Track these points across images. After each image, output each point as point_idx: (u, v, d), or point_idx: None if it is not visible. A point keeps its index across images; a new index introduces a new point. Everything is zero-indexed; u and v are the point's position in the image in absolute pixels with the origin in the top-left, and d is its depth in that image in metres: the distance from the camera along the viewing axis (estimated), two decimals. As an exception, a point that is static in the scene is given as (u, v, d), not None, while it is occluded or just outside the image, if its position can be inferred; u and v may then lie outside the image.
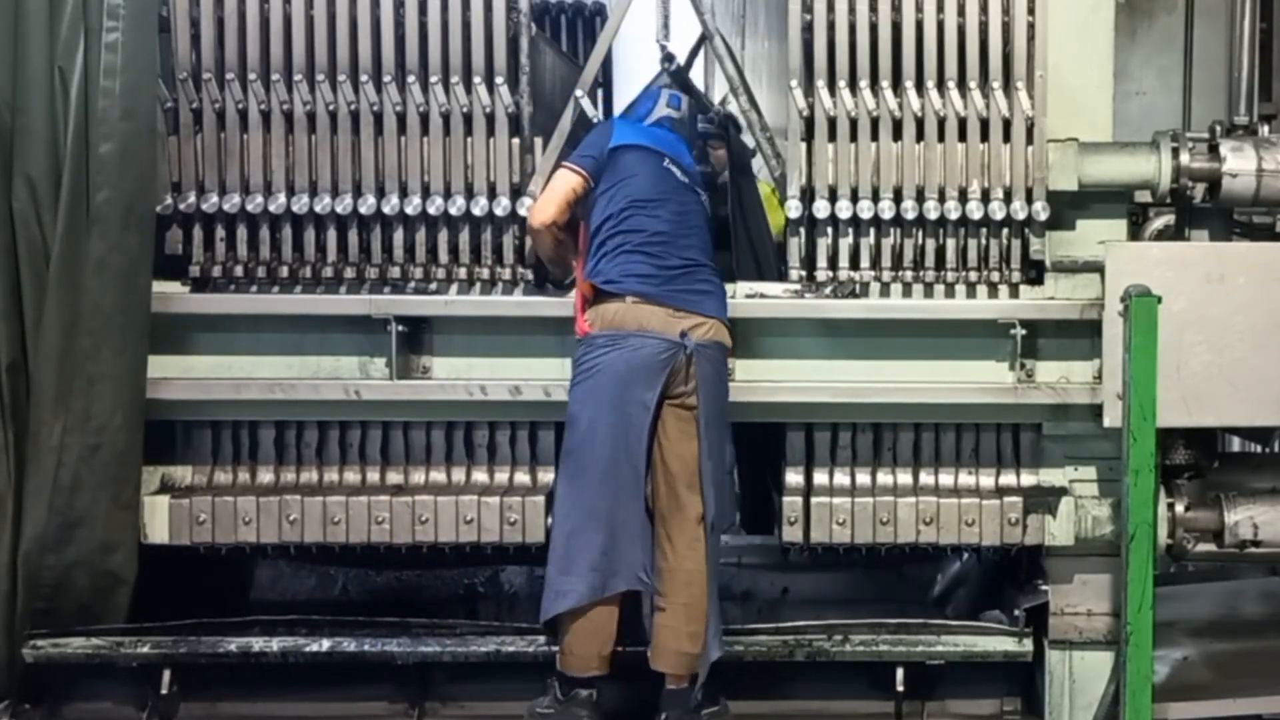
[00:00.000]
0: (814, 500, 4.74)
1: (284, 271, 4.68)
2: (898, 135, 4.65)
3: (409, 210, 4.64)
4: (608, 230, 4.47)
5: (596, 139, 4.62)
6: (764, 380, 4.74)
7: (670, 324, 4.40)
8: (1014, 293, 4.71)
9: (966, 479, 4.83)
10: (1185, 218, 4.84)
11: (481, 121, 4.67)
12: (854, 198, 4.64)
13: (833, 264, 4.71)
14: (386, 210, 4.64)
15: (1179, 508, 4.75)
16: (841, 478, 4.83)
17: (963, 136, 4.65)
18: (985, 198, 4.62)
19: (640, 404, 4.35)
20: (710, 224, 4.67)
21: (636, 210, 4.48)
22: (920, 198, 4.63)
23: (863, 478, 4.83)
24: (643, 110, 4.80)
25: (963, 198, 4.63)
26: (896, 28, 4.64)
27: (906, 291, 4.72)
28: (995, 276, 4.69)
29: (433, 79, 4.63)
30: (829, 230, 4.70)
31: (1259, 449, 5.92)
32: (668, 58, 5.08)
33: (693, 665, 4.39)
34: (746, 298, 4.70)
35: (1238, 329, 4.55)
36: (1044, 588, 4.76)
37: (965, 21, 4.64)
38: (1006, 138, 4.63)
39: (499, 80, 4.63)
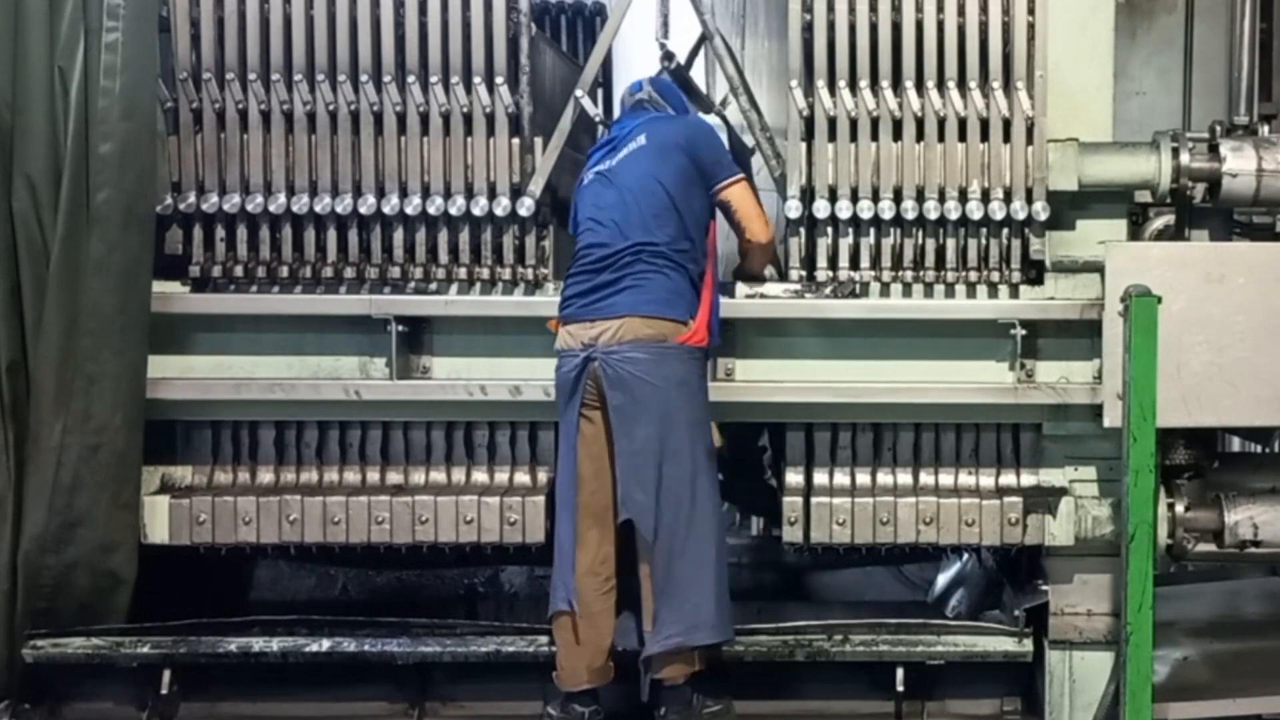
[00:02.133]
0: (814, 500, 4.74)
1: (284, 271, 4.68)
2: (898, 135, 4.65)
3: (409, 210, 4.64)
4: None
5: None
6: (764, 380, 4.73)
7: (579, 337, 4.39)
8: (1014, 293, 4.71)
9: (966, 479, 4.83)
10: (1185, 218, 4.83)
11: (481, 121, 4.67)
12: (854, 198, 4.64)
13: (833, 264, 4.71)
14: (386, 210, 4.64)
15: (1179, 508, 4.75)
16: (841, 478, 4.82)
17: (963, 136, 4.65)
18: (985, 198, 4.62)
19: (568, 423, 4.41)
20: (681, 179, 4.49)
21: (584, 229, 4.50)
22: (920, 198, 4.63)
23: (863, 478, 4.83)
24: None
25: (963, 198, 4.63)
26: (896, 28, 4.64)
27: (906, 291, 4.72)
28: (995, 276, 4.69)
29: (433, 79, 4.63)
30: (829, 230, 4.70)
31: (1259, 449, 5.92)
32: (667, 56, 5.08)
33: (680, 662, 4.36)
34: (746, 298, 4.70)
35: (1238, 329, 4.55)
36: (1044, 588, 4.77)
37: (965, 21, 4.64)
38: (1006, 138, 4.63)
39: (499, 80, 4.64)
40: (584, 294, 4.40)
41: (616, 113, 5.11)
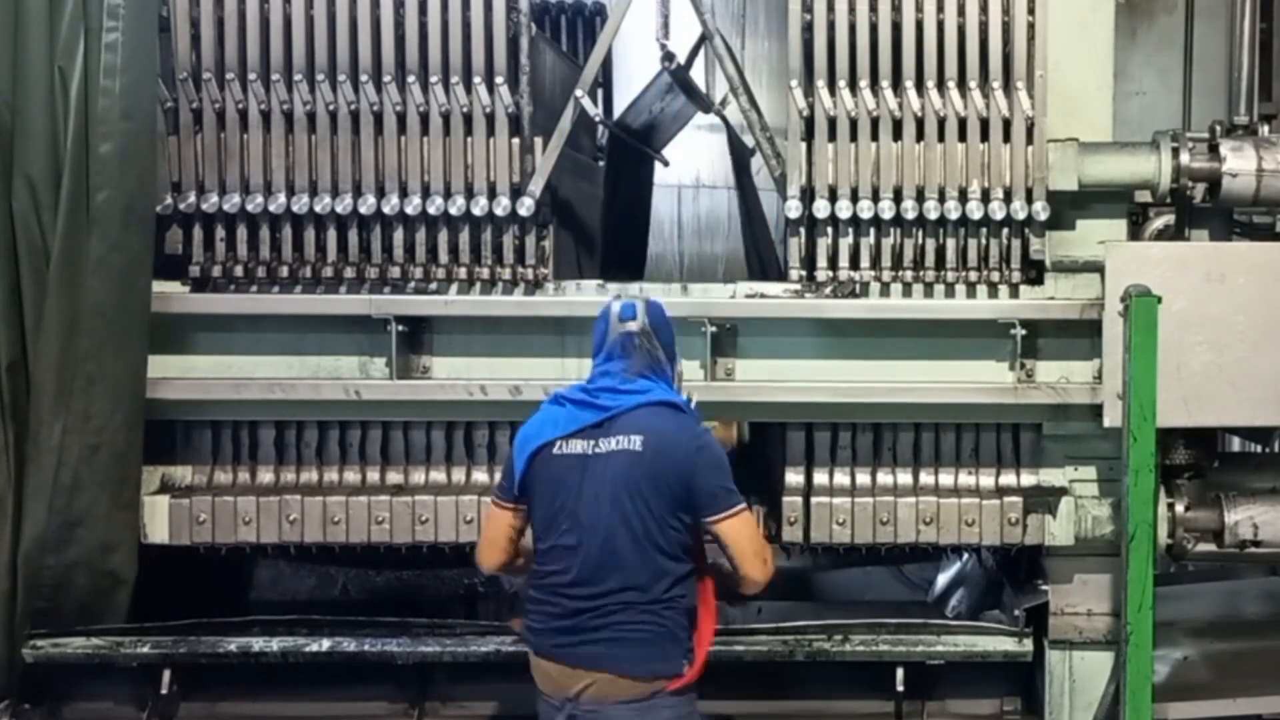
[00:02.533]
0: (814, 500, 4.74)
1: (284, 271, 4.68)
2: (898, 135, 4.64)
3: (409, 210, 4.64)
4: None
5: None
6: (764, 380, 4.73)
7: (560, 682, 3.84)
8: (1014, 293, 4.71)
9: (966, 479, 4.83)
10: (1185, 218, 4.84)
11: (481, 121, 4.67)
12: (854, 198, 4.64)
13: (833, 264, 4.71)
14: (386, 210, 4.64)
15: (1179, 508, 4.75)
16: (841, 478, 4.83)
17: (963, 136, 4.65)
18: (985, 198, 4.62)
19: None
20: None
21: (559, 536, 3.86)
22: (920, 198, 4.63)
23: (863, 478, 4.83)
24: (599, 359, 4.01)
25: (963, 198, 4.63)
26: (896, 28, 4.64)
27: (906, 291, 4.72)
28: (995, 276, 4.69)
29: (433, 79, 4.63)
30: (829, 230, 4.70)
31: (1259, 449, 5.92)
32: (668, 56, 5.08)
33: None
34: (746, 297, 4.70)
35: (1238, 329, 4.55)
36: (1044, 588, 4.77)
37: (965, 21, 4.64)
38: (1006, 138, 4.63)
39: (499, 80, 4.63)
40: (561, 631, 3.81)
41: (621, 105, 5.09)
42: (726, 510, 3.81)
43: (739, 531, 3.83)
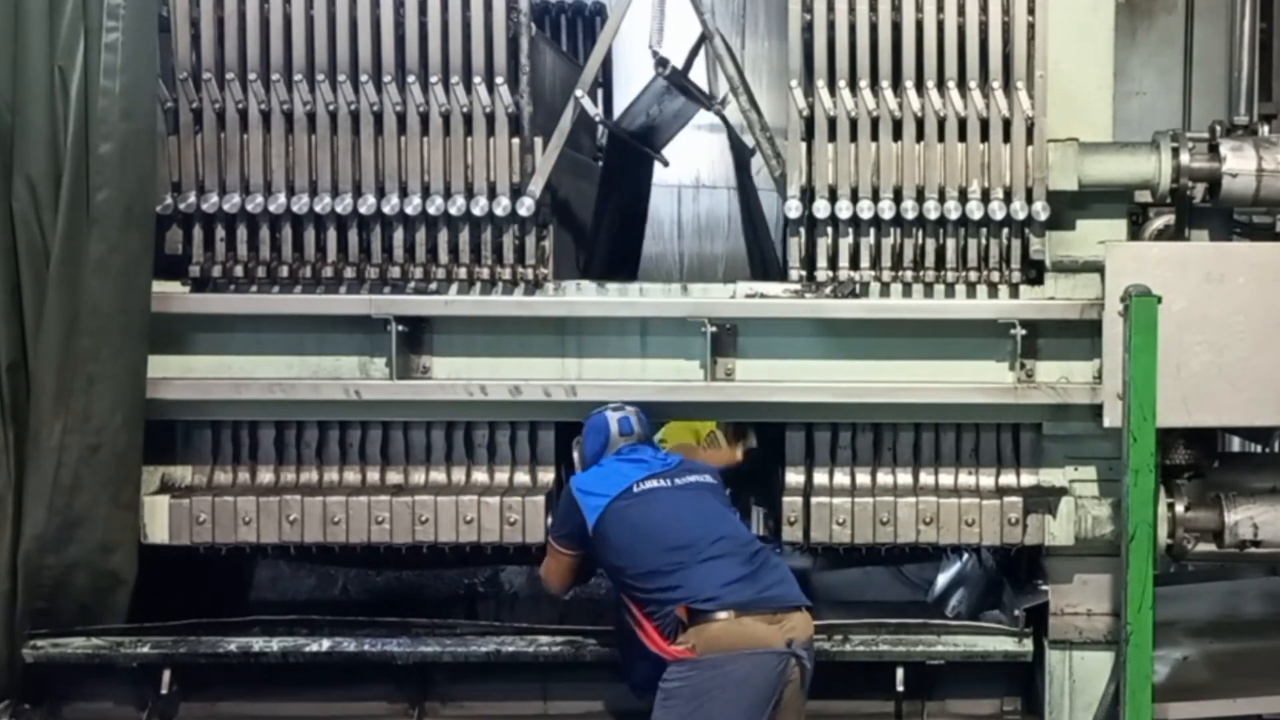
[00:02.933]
0: (814, 500, 4.74)
1: (284, 271, 4.68)
2: (898, 135, 4.64)
3: (409, 210, 4.64)
4: None
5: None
6: (764, 380, 4.73)
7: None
8: (1014, 293, 4.71)
9: (966, 479, 4.83)
10: (1185, 218, 4.84)
11: (481, 121, 4.66)
12: (854, 198, 4.63)
13: (833, 264, 4.70)
14: (386, 210, 4.64)
15: (1179, 508, 4.75)
16: (841, 478, 4.83)
17: (963, 136, 4.65)
18: (985, 198, 4.62)
19: None
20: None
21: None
22: (920, 198, 4.63)
23: (863, 478, 4.83)
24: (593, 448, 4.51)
25: (963, 198, 4.63)
26: (896, 28, 4.64)
27: (906, 291, 4.72)
28: (995, 276, 4.69)
29: (433, 79, 4.63)
30: (829, 230, 4.70)
31: (1259, 449, 5.92)
32: (661, 63, 5.08)
33: None
34: (746, 297, 4.70)
35: (1238, 329, 4.55)
36: (1044, 588, 4.77)
37: (965, 21, 4.64)
38: (1006, 138, 4.63)
39: (499, 80, 4.63)
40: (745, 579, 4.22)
41: (621, 105, 5.08)
42: None
43: None
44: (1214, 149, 4.68)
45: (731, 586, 4.15)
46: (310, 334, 4.74)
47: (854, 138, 4.64)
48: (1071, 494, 4.75)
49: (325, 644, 4.63)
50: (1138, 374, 4.24)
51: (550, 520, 4.57)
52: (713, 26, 4.91)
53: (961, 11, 4.64)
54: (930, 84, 4.62)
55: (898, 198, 4.63)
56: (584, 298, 4.73)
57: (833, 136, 4.65)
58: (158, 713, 4.68)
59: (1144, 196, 4.87)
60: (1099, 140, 4.68)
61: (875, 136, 4.65)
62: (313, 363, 4.75)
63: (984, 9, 4.63)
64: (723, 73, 5.05)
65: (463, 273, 4.71)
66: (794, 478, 4.82)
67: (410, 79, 4.64)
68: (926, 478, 4.83)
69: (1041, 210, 4.59)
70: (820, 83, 4.64)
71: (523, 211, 4.64)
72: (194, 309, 4.69)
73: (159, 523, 4.69)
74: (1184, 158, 4.66)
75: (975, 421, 4.82)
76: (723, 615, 4.12)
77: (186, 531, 4.68)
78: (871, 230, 4.69)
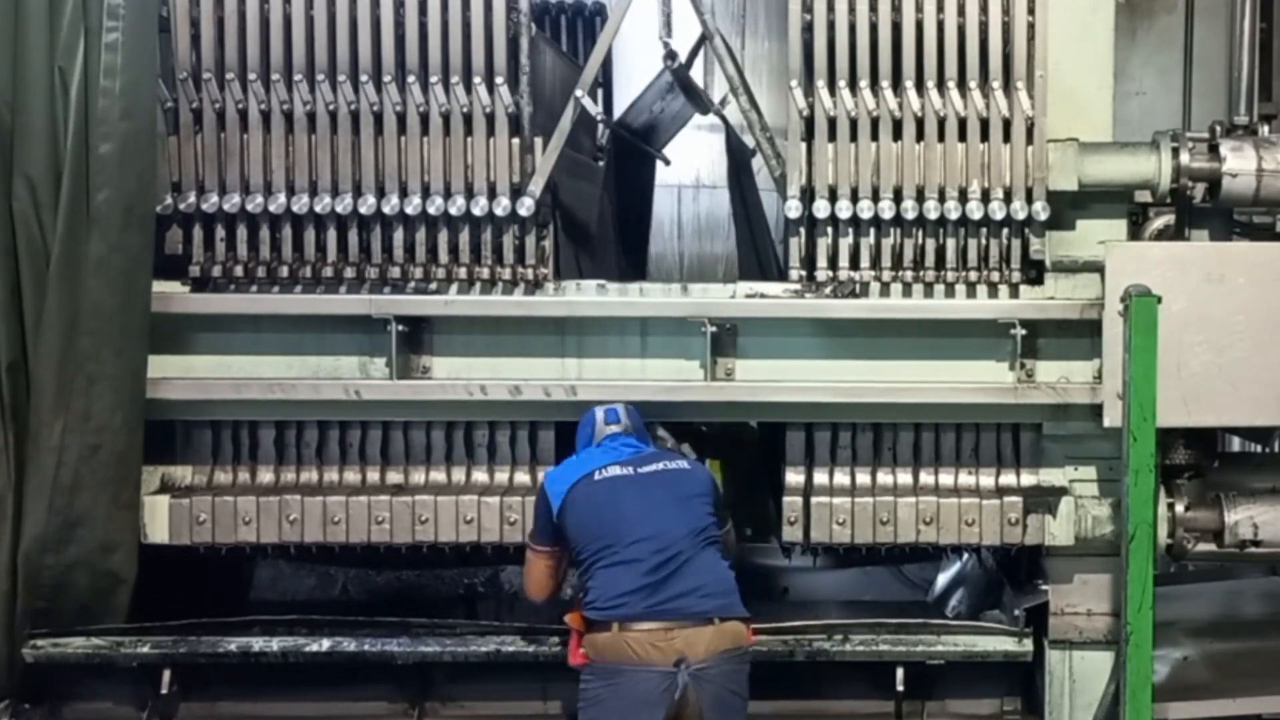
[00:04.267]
0: (814, 500, 4.74)
1: (284, 271, 4.68)
2: (898, 135, 4.64)
3: (409, 210, 4.64)
4: None
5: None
6: (764, 380, 4.73)
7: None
8: (1014, 293, 4.71)
9: (966, 479, 4.83)
10: (1185, 218, 4.84)
11: (481, 121, 4.66)
12: (854, 198, 4.63)
13: (833, 264, 4.70)
14: (386, 210, 4.64)
15: (1179, 508, 4.75)
16: (841, 478, 4.83)
17: (963, 136, 4.65)
18: (985, 198, 4.62)
19: None
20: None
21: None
22: (920, 198, 4.63)
23: (863, 478, 4.83)
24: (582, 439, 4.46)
25: (963, 198, 4.63)
26: (896, 28, 4.64)
27: (906, 291, 4.72)
28: (995, 276, 4.69)
29: (433, 79, 4.63)
30: (829, 230, 4.70)
31: (1259, 449, 5.92)
32: (670, 55, 5.08)
33: None
34: (746, 297, 4.70)
35: (1238, 329, 4.55)
36: (1044, 588, 4.77)
37: (965, 21, 4.64)
38: (1006, 138, 4.63)
39: (499, 80, 4.63)
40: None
41: (621, 105, 5.10)
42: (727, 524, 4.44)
43: (730, 538, 4.48)
44: (1214, 149, 4.68)
45: (625, 598, 4.04)
46: (310, 334, 4.74)
47: (854, 138, 4.64)
48: (1071, 494, 4.75)
49: (325, 644, 4.63)
50: (1138, 374, 4.24)
51: None
52: (713, 26, 4.91)
53: (961, 11, 4.64)
54: (930, 84, 4.62)
55: (898, 198, 4.63)
56: (584, 298, 4.73)
57: (833, 136, 4.65)
58: (158, 713, 4.69)
59: (1144, 196, 4.87)
60: (1099, 140, 4.68)
61: (875, 136, 4.65)
62: (313, 363, 4.75)
63: (984, 9, 4.63)
64: (723, 73, 5.05)
65: (463, 273, 4.71)
66: (794, 478, 4.82)
67: (410, 79, 4.64)
68: (926, 478, 4.83)
69: (1041, 210, 4.59)
70: (820, 83, 4.64)
71: (523, 211, 4.64)
72: (194, 309, 4.69)
73: (159, 523, 4.69)
74: (1184, 158, 4.66)
75: (975, 421, 4.82)
76: (612, 626, 4.04)
77: (186, 531, 4.68)
78: (871, 230, 4.69)
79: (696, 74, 5.54)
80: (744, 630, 4.18)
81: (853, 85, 4.62)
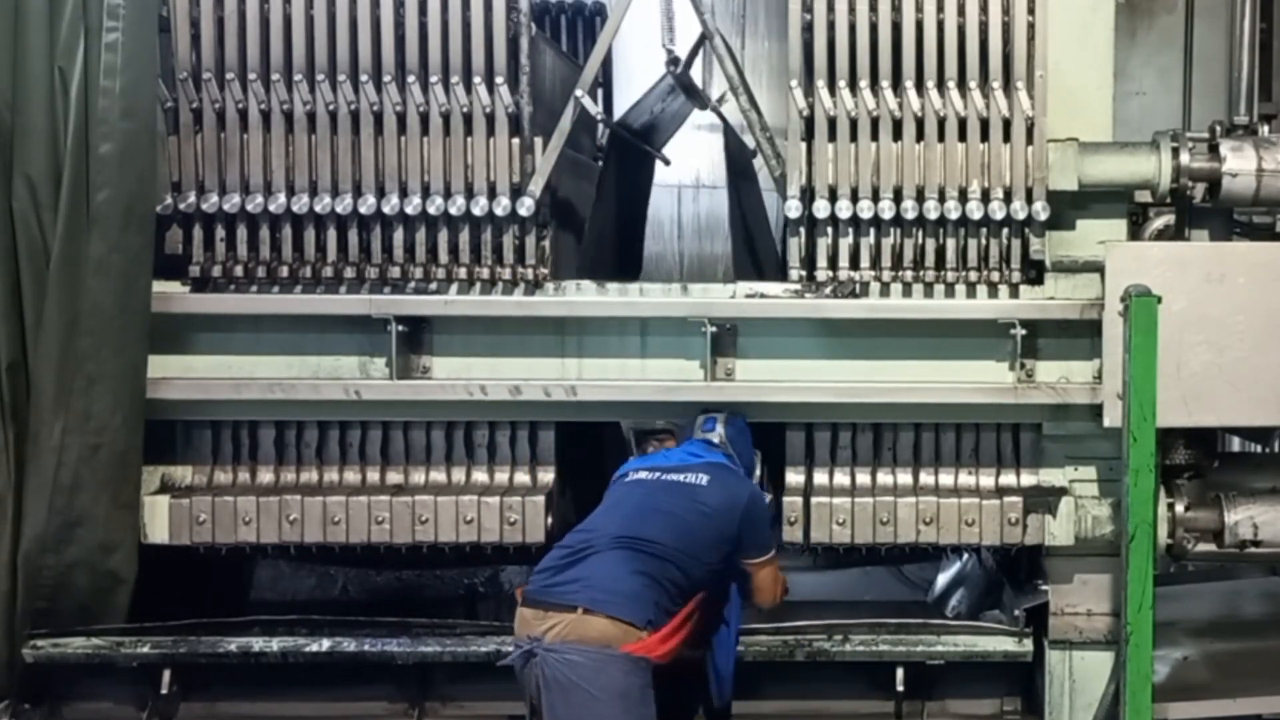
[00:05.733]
0: (814, 500, 4.74)
1: (284, 271, 4.68)
2: (898, 135, 4.64)
3: (409, 210, 4.64)
4: None
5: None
6: (764, 380, 4.73)
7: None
8: (1014, 293, 4.71)
9: (966, 479, 4.83)
10: (1185, 218, 4.84)
11: (481, 121, 4.66)
12: (854, 198, 4.64)
13: (833, 264, 4.71)
14: (386, 210, 4.64)
15: (1179, 508, 4.75)
16: (841, 478, 4.83)
17: (963, 136, 4.65)
18: (985, 198, 4.62)
19: None
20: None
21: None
22: (920, 198, 4.63)
23: (863, 478, 4.83)
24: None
25: (963, 198, 4.63)
26: (896, 28, 4.64)
27: (906, 291, 4.72)
28: (995, 276, 4.69)
29: (433, 79, 4.63)
30: (829, 230, 4.70)
31: (1259, 449, 5.92)
32: (673, 61, 5.07)
33: None
34: (746, 297, 4.70)
35: (1238, 329, 4.55)
36: (1044, 588, 4.77)
37: (965, 21, 4.64)
38: (1006, 138, 4.63)
39: (499, 80, 4.63)
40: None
41: (621, 105, 5.08)
42: (762, 558, 4.37)
43: (765, 576, 4.41)
44: (1214, 149, 4.68)
45: (535, 576, 4.14)
46: (310, 334, 4.74)
47: (854, 138, 4.64)
48: (1071, 494, 4.75)
49: (325, 644, 4.63)
50: (1138, 374, 4.23)
51: None
52: (713, 26, 4.91)
53: (961, 11, 4.64)
54: (930, 84, 4.62)
55: (898, 198, 4.63)
56: (584, 298, 4.73)
57: (833, 136, 4.65)
58: (158, 713, 4.69)
59: (1144, 196, 4.87)
60: (1099, 140, 4.68)
61: (875, 136, 4.65)
62: (313, 363, 4.75)
63: (984, 9, 4.63)
64: (723, 73, 5.05)
65: (463, 273, 4.71)
66: (794, 478, 4.82)
67: (410, 79, 4.64)
68: (926, 478, 4.83)
69: (1041, 210, 4.59)
70: (820, 83, 4.64)
71: (523, 211, 4.64)
72: (194, 309, 4.69)
73: (159, 523, 4.69)
74: (1184, 158, 4.66)
75: (975, 421, 4.82)
76: (520, 601, 4.13)
77: (186, 531, 4.68)
78: (871, 230, 4.69)
79: (696, 74, 5.53)
80: (614, 631, 3.97)
81: (853, 85, 4.62)
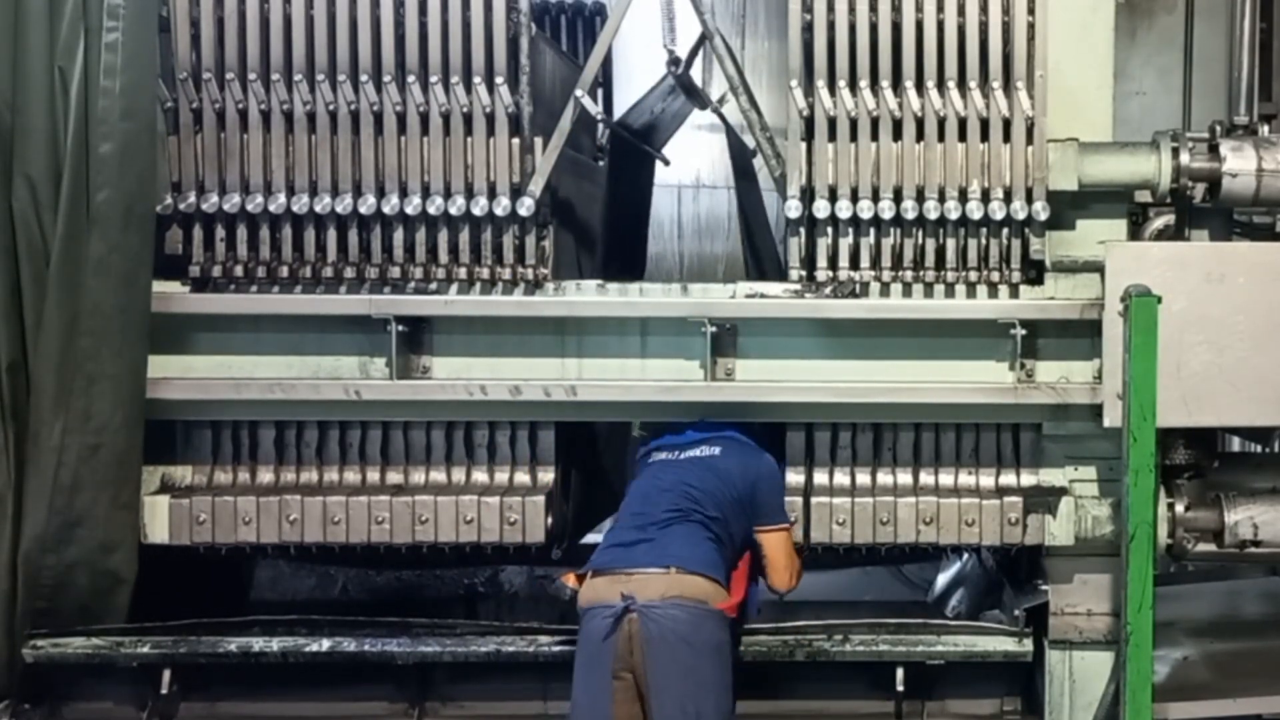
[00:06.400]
0: (814, 500, 4.74)
1: (284, 271, 4.68)
2: (898, 135, 4.64)
3: (409, 210, 4.64)
4: None
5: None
6: (764, 380, 4.73)
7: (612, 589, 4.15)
8: (1014, 293, 4.70)
9: (966, 479, 4.83)
10: (1185, 218, 4.84)
11: (481, 121, 4.66)
12: (854, 198, 4.63)
13: (833, 264, 4.70)
14: (386, 210, 4.64)
15: (1179, 508, 4.75)
16: (841, 478, 4.83)
17: (963, 136, 4.64)
18: (985, 198, 4.62)
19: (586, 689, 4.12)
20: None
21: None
22: (920, 198, 4.63)
23: (863, 478, 4.83)
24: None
25: (963, 198, 4.63)
26: (896, 28, 4.64)
27: (906, 291, 4.72)
28: (995, 276, 4.69)
29: (433, 79, 4.63)
30: (829, 230, 4.70)
31: (1259, 449, 5.92)
32: (674, 61, 5.07)
33: None
34: (746, 297, 4.70)
35: (1238, 329, 4.55)
36: (1044, 588, 4.77)
37: (965, 21, 4.63)
38: (1006, 138, 4.63)
39: (499, 80, 4.63)
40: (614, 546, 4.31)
41: (621, 105, 5.06)
42: (773, 525, 4.49)
43: (777, 546, 4.49)
44: (1214, 149, 4.68)
45: (601, 554, 4.30)
46: (310, 334, 4.74)
47: (854, 138, 4.64)
48: (1071, 494, 4.75)
49: (325, 644, 4.63)
50: (1138, 374, 4.23)
51: None
52: (713, 26, 4.91)
53: (961, 11, 4.63)
54: (930, 84, 4.62)
55: (898, 198, 4.63)
56: (584, 298, 4.73)
57: (833, 136, 4.65)
58: (158, 713, 4.68)
59: (1144, 196, 4.86)
60: (1099, 140, 4.68)
61: (875, 136, 4.65)
62: (313, 363, 4.75)
63: (984, 9, 4.63)
64: (723, 73, 5.05)
65: (463, 273, 4.71)
66: (794, 478, 4.81)
67: (410, 79, 4.64)
68: (926, 478, 4.83)
69: (1041, 210, 4.59)
70: (820, 83, 4.64)
71: (523, 211, 4.64)
72: (194, 309, 4.69)
73: (159, 523, 4.68)
74: (1184, 158, 4.66)
75: (975, 421, 4.82)
76: (587, 576, 4.25)
77: (186, 531, 4.68)
78: (871, 230, 4.69)
79: (696, 74, 5.54)
80: (709, 587, 4.18)
81: (853, 85, 4.62)
